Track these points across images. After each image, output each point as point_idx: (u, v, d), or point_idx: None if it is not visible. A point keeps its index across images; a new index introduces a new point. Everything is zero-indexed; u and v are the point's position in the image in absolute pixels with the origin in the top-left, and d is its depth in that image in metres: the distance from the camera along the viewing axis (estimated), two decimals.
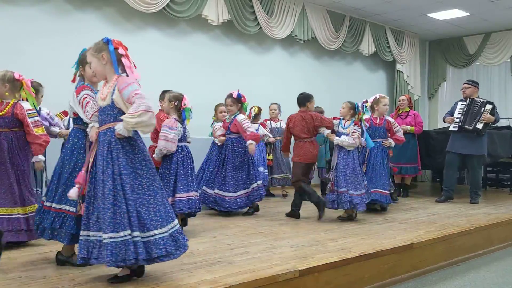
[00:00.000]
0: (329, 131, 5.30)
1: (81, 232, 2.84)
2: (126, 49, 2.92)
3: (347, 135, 5.11)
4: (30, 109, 3.81)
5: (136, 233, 2.72)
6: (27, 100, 3.88)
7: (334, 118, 5.43)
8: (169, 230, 2.84)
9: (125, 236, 2.69)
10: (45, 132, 3.87)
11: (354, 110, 5.18)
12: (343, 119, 5.26)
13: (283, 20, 8.18)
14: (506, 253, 5.08)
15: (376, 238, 4.21)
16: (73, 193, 2.87)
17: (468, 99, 6.71)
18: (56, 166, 3.27)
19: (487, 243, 5.02)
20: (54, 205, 3.18)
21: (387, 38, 10.02)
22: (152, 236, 2.76)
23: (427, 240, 4.24)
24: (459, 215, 5.64)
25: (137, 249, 2.70)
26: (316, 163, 5.94)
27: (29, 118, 3.75)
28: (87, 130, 3.09)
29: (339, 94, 8.96)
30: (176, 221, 2.94)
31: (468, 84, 6.85)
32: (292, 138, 5.50)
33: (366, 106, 5.62)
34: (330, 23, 8.91)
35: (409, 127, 7.10)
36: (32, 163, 3.85)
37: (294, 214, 5.31)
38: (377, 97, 5.89)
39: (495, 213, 5.88)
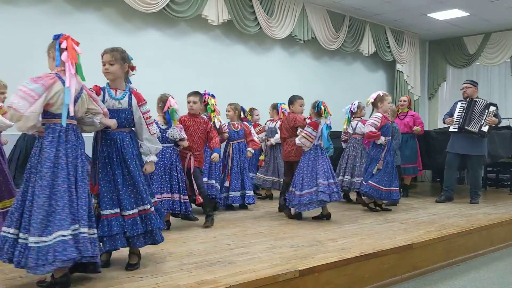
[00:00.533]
0: (301, 130, 5.29)
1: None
2: (75, 42, 2.86)
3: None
4: None
5: (22, 235, 2.65)
6: None
7: (310, 118, 5.45)
8: (46, 241, 2.59)
9: (14, 234, 2.68)
10: None
11: (313, 109, 5.19)
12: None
13: (283, 20, 8.18)
14: (506, 253, 5.09)
15: (376, 238, 4.21)
16: None
17: (468, 99, 6.71)
18: None
19: (487, 243, 5.02)
20: None
21: (387, 38, 10.02)
22: (30, 242, 2.60)
23: (427, 240, 4.24)
24: (459, 215, 5.64)
25: (15, 250, 2.65)
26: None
27: None
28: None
29: (339, 94, 8.96)
30: (59, 233, 2.63)
31: (468, 84, 6.83)
32: None
33: (347, 110, 6.17)
34: (330, 23, 8.91)
35: (419, 128, 7.25)
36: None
37: (285, 210, 5.37)
38: (381, 94, 5.78)
39: (495, 213, 5.88)
